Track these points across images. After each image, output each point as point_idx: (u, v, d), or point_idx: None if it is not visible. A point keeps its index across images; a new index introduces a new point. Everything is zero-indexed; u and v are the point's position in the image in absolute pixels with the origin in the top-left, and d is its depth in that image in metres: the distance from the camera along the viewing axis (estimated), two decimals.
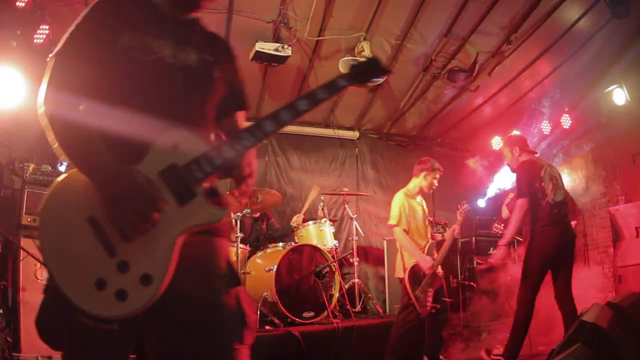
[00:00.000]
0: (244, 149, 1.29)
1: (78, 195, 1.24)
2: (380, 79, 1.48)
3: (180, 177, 1.24)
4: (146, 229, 1.19)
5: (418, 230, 4.18)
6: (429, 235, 4.27)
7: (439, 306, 4.05)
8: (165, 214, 1.21)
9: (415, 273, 3.97)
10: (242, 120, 1.59)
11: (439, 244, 4.25)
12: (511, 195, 4.87)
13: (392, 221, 4.11)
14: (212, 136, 1.38)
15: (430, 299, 3.95)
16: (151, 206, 1.18)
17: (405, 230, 4.08)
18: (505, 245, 3.96)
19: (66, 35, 1.32)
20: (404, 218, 4.10)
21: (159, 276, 1.17)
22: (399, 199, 4.21)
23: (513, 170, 4.24)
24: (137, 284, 1.17)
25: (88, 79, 1.29)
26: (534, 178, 3.99)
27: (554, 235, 3.86)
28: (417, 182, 4.27)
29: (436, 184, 4.27)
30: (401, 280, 4.08)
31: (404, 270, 4.01)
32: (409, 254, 4.03)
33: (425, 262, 3.94)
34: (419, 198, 4.34)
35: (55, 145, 1.27)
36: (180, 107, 1.35)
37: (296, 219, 5.29)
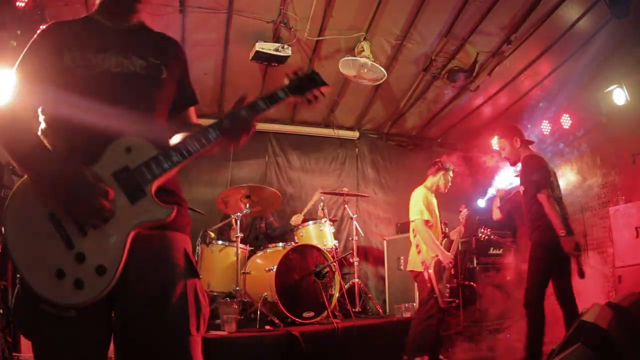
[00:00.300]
0: (189, 154, 1.41)
1: (39, 194, 1.35)
2: (321, 91, 1.54)
3: (132, 178, 1.36)
4: (101, 216, 1.30)
5: (435, 226, 4.28)
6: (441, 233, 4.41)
7: (457, 300, 4.16)
8: (117, 211, 1.33)
9: (439, 268, 4.08)
10: (193, 116, 1.69)
11: (449, 243, 4.36)
12: (498, 192, 4.78)
13: (418, 215, 4.20)
14: (167, 134, 1.51)
15: (447, 293, 4.05)
16: (100, 195, 1.30)
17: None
18: (567, 235, 3.60)
19: (18, 61, 1.47)
20: (427, 212, 4.21)
21: (112, 268, 1.29)
22: (422, 194, 4.32)
23: (512, 163, 4.10)
24: (92, 274, 1.28)
25: (38, 97, 1.44)
26: (547, 171, 3.83)
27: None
28: (435, 180, 4.43)
29: (450, 183, 4.46)
30: (417, 274, 4.14)
31: (423, 264, 4.06)
32: (429, 249, 4.10)
33: (446, 257, 4.06)
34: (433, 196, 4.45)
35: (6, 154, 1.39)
36: (130, 112, 1.44)
37: (296, 219, 5.29)
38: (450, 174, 4.43)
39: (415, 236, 4.25)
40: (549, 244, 3.65)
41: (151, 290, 1.37)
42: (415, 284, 4.51)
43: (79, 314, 1.31)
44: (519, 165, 4.07)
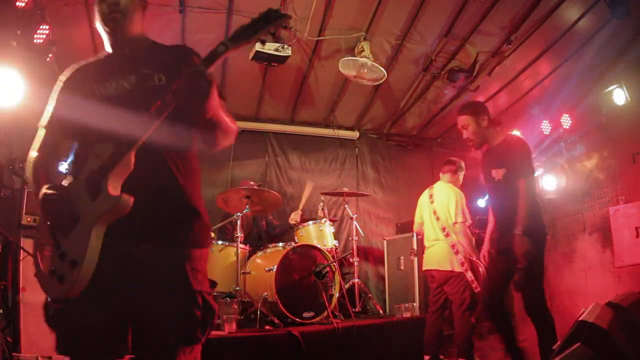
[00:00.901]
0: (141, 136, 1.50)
1: None
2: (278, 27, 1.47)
3: (94, 179, 1.54)
4: (63, 219, 1.55)
5: None
6: None
7: None
8: (84, 210, 1.53)
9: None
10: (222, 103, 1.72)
11: None
12: None
13: (460, 218, 4.20)
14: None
15: None
16: (58, 203, 1.57)
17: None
18: (524, 236, 3.11)
19: (47, 107, 1.78)
20: (468, 215, 4.26)
21: (81, 260, 1.46)
22: (460, 194, 4.34)
23: (476, 146, 3.52)
24: (69, 268, 1.49)
25: (61, 138, 1.77)
26: (532, 158, 3.40)
27: (545, 226, 3.36)
28: (454, 179, 4.52)
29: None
30: (455, 274, 4.11)
31: (464, 265, 4.06)
32: (467, 251, 4.10)
33: (479, 263, 4.07)
34: None
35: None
36: (128, 126, 1.55)
37: (294, 216, 5.29)
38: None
39: (447, 235, 4.20)
40: (541, 240, 3.26)
41: (147, 303, 1.52)
42: (420, 283, 4.51)
43: (86, 309, 1.50)
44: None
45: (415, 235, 5.31)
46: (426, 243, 4.47)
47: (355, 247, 5.35)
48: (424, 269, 4.46)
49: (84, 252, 1.46)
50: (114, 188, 1.51)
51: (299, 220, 5.22)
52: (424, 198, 4.64)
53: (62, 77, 1.80)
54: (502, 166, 3.34)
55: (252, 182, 5.32)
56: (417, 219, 4.68)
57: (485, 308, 3.42)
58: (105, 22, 1.72)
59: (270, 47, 4.64)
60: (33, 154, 1.78)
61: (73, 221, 1.54)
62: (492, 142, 3.48)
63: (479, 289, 3.98)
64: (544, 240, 3.32)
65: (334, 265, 4.43)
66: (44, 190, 1.60)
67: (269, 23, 1.42)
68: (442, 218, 4.30)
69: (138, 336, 1.54)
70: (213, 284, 4.21)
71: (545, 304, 3.22)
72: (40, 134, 1.79)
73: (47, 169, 1.73)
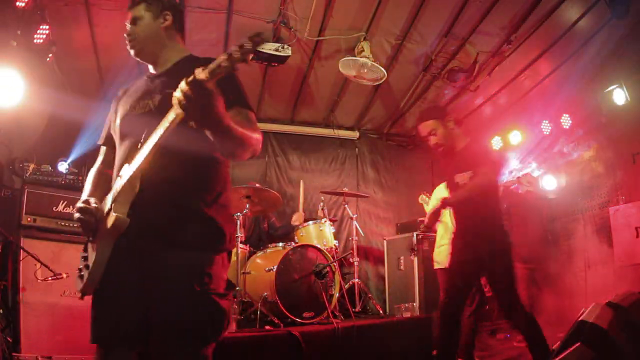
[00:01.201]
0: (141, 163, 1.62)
1: None
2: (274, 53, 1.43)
3: (110, 198, 1.72)
4: (87, 231, 1.78)
5: None
6: None
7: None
8: (99, 225, 1.74)
9: None
10: (239, 116, 1.70)
11: None
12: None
13: None
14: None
15: None
16: (82, 216, 1.77)
17: None
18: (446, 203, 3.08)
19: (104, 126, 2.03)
20: None
21: (91, 265, 1.71)
22: None
23: (446, 150, 3.37)
24: (85, 270, 1.75)
25: (112, 155, 1.90)
26: (499, 163, 3.29)
27: (507, 234, 3.24)
28: None
29: None
30: None
31: None
32: None
33: None
34: None
35: None
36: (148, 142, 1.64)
37: (297, 218, 5.29)
38: None
39: None
40: (509, 242, 3.20)
41: (156, 301, 1.58)
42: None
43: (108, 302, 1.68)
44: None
45: (415, 235, 5.30)
46: (440, 240, 4.37)
47: (355, 247, 5.35)
48: (436, 267, 4.36)
49: (92, 260, 1.71)
50: (116, 209, 1.65)
51: (302, 221, 5.22)
52: (440, 193, 4.50)
53: (115, 98, 1.98)
54: (467, 169, 3.23)
55: (257, 185, 5.32)
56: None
57: (442, 313, 3.29)
58: (129, 49, 1.89)
59: (270, 47, 4.64)
60: (95, 166, 2.01)
61: (93, 232, 1.75)
62: (457, 145, 3.36)
63: (490, 293, 3.87)
64: (505, 244, 3.16)
65: (334, 265, 4.43)
66: (79, 203, 1.80)
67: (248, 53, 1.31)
68: None
69: (150, 331, 1.57)
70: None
71: (519, 305, 3.05)
72: (101, 151, 2.03)
73: (94, 183, 1.94)
